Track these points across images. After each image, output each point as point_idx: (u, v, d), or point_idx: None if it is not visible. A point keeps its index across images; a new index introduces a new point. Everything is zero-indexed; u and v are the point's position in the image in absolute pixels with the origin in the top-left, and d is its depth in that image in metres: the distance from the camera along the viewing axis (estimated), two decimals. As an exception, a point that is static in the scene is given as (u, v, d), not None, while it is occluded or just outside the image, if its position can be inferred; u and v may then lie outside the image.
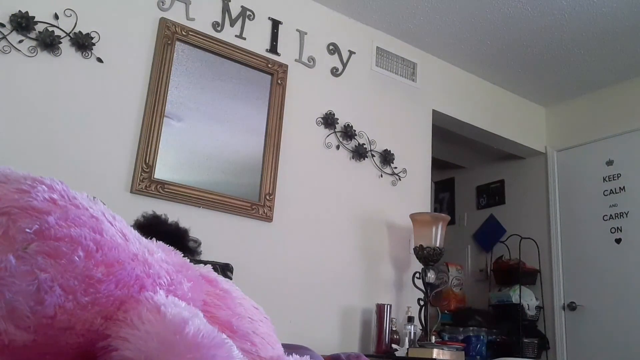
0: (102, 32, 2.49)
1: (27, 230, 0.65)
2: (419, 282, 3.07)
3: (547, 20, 3.27)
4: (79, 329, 0.67)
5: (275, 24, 3.08)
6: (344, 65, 3.31)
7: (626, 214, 3.74)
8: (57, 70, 2.37)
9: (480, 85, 4.03)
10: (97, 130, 2.43)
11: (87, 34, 2.44)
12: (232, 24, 2.92)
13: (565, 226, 4.08)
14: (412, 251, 3.15)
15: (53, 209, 0.67)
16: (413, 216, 3.19)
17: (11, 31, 2.28)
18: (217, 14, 2.88)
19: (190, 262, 0.88)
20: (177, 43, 2.70)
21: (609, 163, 3.90)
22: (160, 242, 0.85)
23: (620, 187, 3.82)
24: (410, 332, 2.92)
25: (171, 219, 2.15)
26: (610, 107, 3.98)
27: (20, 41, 2.30)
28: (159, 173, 2.54)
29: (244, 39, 2.93)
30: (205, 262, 1.10)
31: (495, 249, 4.43)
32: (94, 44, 2.46)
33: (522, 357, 3.66)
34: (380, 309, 2.93)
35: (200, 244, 1.98)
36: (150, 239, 1.02)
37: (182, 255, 1.14)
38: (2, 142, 2.21)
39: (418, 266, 3.11)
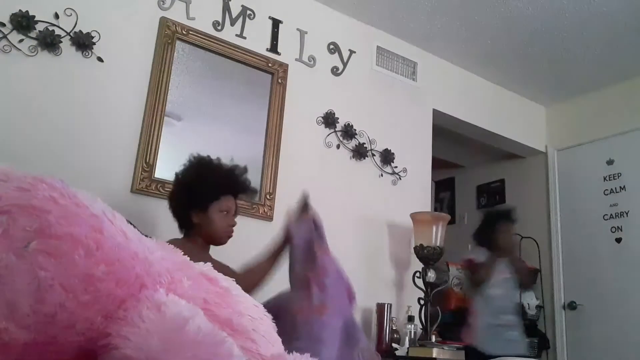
0: (103, 32, 2.49)
1: (28, 228, 0.65)
2: (419, 282, 3.07)
3: (548, 19, 3.27)
4: (80, 327, 0.67)
5: (276, 23, 3.07)
6: (345, 64, 3.31)
7: (626, 214, 3.74)
8: (58, 69, 2.37)
9: (480, 84, 4.03)
10: (97, 130, 2.43)
11: (88, 33, 2.44)
12: (232, 23, 2.91)
13: (565, 225, 4.07)
14: (413, 250, 3.15)
15: (53, 207, 0.67)
16: (413, 215, 3.19)
17: (11, 30, 2.28)
18: (217, 13, 2.88)
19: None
20: (178, 42, 2.70)
21: (610, 162, 3.90)
22: (161, 241, 0.85)
23: (620, 187, 3.81)
24: (410, 332, 2.92)
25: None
26: (610, 107, 3.98)
27: (21, 40, 2.30)
28: (160, 172, 2.54)
29: (245, 38, 2.93)
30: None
31: (495, 249, 4.43)
32: (94, 43, 2.46)
33: (522, 356, 3.66)
34: (380, 308, 2.93)
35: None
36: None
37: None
38: (2, 141, 2.21)
39: (418, 265, 3.11)
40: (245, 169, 2.12)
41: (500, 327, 3.22)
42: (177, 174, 2.08)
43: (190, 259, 0.90)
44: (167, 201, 2.10)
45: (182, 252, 0.91)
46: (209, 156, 2.07)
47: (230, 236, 2.09)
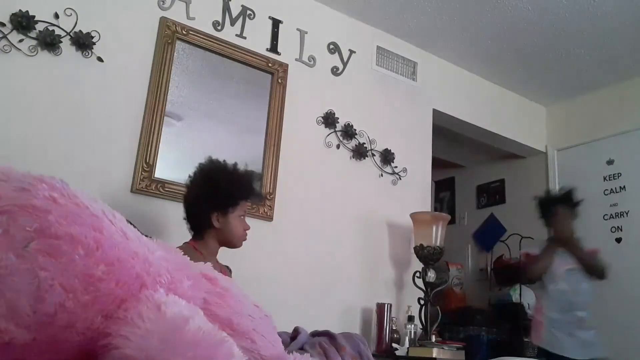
0: (103, 32, 2.49)
1: (28, 228, 0.65)
2: (419, 282, 3.07)
3: (548, 19, 3.27)
4: (80, 327, 0.67)
5: (276, 23, 3.07)
6: (345, 64, 3.31)
7: (626, 214, 3.74)
8: (58, 69, 2.37)
9: (480, 84, 4.03)
10: (97, 130, 2.43)
11: (88, 33, 2.44)
12: (232, 23, 2.91)
13: (565, 225, 4.07)
14: (413, 250, 3.15)
15: (53, 207, 0.67)
16: (413, 215, 3.19)
17: (11, 30, 2.28)
18: (217, 13, 2.88)
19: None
20: (178, 42, 2.70)
21: (610, 162, 3.90)
22: (160, 240, 0.85)
23: (620, 187, 3.81)
24: (410, 332, 2.92)
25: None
26: (610, 107, 3.98)
27: (21, 40, 2.30)
28: (159, 172, 2.54)
29: (245, 38, 2.93)
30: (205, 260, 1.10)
31: (495, 248, 4.43)
32: (94, 43, 2.46)
33: (523, 356, 3.66)
34: (380, 308, 2.93)
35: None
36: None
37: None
38: (2, 141, 2.21)
39: (418, 265, 3.11)
40: (260, 176, 2.17)
41: (571, 326, 2.95)
42: (196, 177, 2.08)
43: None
44: (182, 202, 2.09)
45: (183, 253, 0.91)
46: (225, 160, 2.09)
47: (245, 239, 2.13)
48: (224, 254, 2.18)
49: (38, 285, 0.64)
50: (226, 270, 2.20)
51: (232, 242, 2.10)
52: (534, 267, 3.04)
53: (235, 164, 2.09)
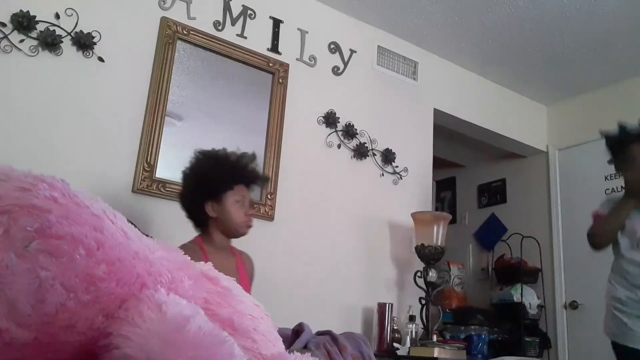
0: (104, 32, 2.49)
1: (29, 228, 0.65)
2: (421, 281, 3.07)
3: (549, 19, 3.26)
4: (80, 327, 0.67)
5: (277, 23, 3.07)
6: (345, 64, 3.31)
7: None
8: (59, 69, 2.38)
9: (481, 84, 4.03)
10: (98, 130, 2.43)
11: (89, 33, 2.44)
12: (233, 23, 2.92)
13: (566, 225, 4.07)
14: (414, 250, 3.15)
15: (54, 207, 0.67)
16: (414, 215, 3.19)
17: (12, 30, 2.28)
18: (218, 13, 2.88)
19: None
20: (178, 42, 2.70)
21: (611, 161, 3.88)
22: (162, 241, 0.85)
23: (622, 186, 3.79)
24: (411, 331, 2.92)
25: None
26: (611, 106, 3.97)
27: (22, 40, 2.30)
28: (161, 172, 2.54)
29: (245, 38, 2.93)
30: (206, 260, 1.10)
31: (496, 248, 4.43)
32: (95, 44, 2.46)
33: (524, 356, 3.65)
34: (381, 308, 2.93)
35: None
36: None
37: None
38: (3, 141, 2.21)
39: (419, 265, 3.11)
40: (253, 156, 2.12)
41: None
42: (185, 172, 2.07)
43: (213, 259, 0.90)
44: (178, 201, 2.09)
45: (183, 252, 0.91)
46: (214, 149, 2.08)
47: (249, 226, 2.07)
48: (225, 254, 2.18)
49: (39, 285, 0.64)
50: (242, 258, 2.16)
51: (233, 230, 2.03)
52: (599, 230, 2.28)
53: (225, 149, 2.06)
